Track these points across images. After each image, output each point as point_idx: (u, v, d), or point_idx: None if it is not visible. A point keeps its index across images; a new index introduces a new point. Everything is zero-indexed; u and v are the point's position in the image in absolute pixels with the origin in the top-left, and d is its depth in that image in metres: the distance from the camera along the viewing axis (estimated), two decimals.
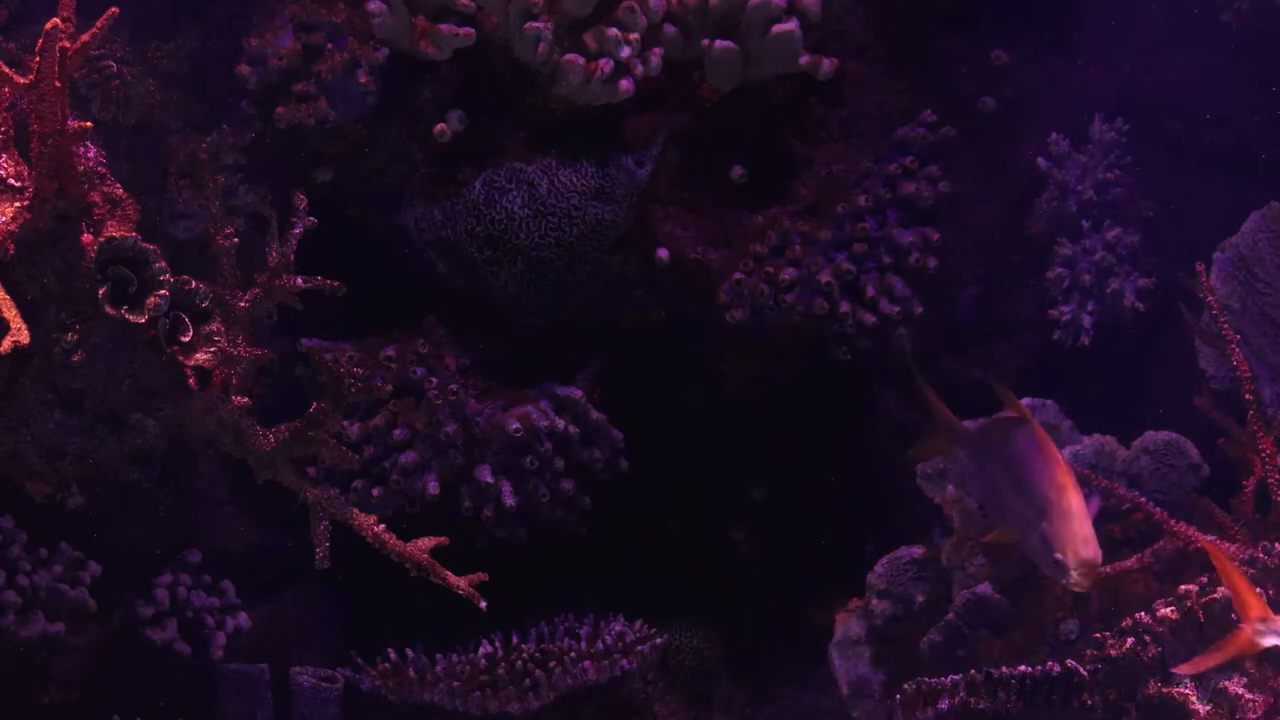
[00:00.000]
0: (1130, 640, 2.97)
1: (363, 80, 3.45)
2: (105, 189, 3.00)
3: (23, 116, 2.90)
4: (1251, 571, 2.94)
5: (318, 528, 2.96)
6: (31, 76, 2.80)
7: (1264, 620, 2.52)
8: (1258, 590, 2.60)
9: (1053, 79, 3.71)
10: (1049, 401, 3.46)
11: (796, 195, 3.67)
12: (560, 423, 3.58)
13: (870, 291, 3.59)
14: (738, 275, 3.58)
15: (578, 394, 3.63)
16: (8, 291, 2.78)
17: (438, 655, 3.54)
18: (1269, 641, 2.52)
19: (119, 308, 2.90)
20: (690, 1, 3.48)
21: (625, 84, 3.40)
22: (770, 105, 3.64)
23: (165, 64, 3.46)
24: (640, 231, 3.62)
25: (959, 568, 3.42)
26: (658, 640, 3.62)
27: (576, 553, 3.70)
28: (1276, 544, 2.95)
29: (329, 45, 3.46)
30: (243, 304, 3.05)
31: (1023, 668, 3.03)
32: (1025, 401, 3.44)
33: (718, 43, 3.47)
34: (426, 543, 2.96)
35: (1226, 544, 3.05)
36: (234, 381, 3.03)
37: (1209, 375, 3.48)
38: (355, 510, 3.00)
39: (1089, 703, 2.97)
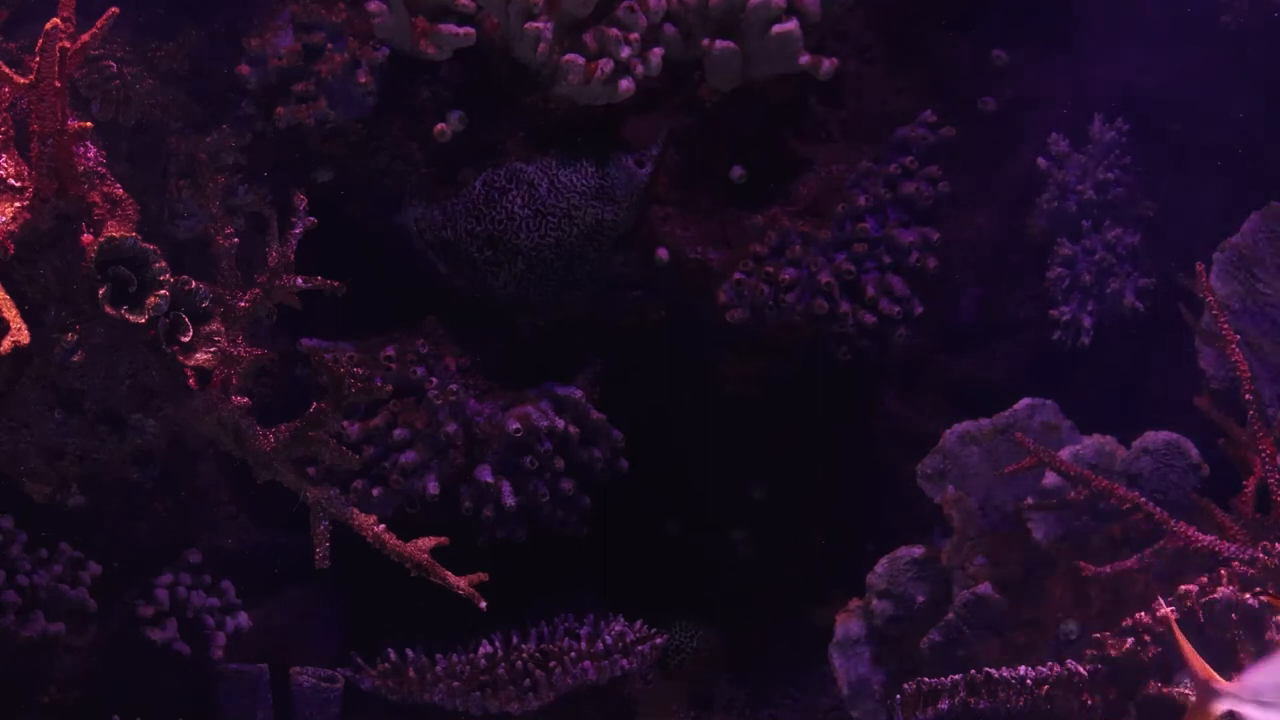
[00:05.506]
0: (1130, 640, 2.97)
1: (363, 80, 3.45)
2: (105, 189, 2.99)
3: (23, 116, 2.90)
4: (1251, 571, 2.94)
5: (318, 528, 2.96)
6: (31, 76, 2.80)
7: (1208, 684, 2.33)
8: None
9: (1052, 79, 3.70)
10: (1049, 401, 3.46)
11: (796, 195, 3.67)
12: (560, 423, 3.58)
13: (870, 291, 3.59)
14: (738, 275, 3.58)
15: (578, 394, 3.63)
16: (8, 291, 2.78)
17: (438, 655, 3.54)
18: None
19: (119, 308, 2.89)
20: (690, 1, 3.48)
21: (625, 84, 3.40)
22: (770, 105, 3.64)
23: (165, 64, 3.45)
24: (640, 231, 3.62)
25: (959, 568, 3.41)
26: (658, 640, 3.62)
27: (577, 552, 3.70)
28: (1276, 544, 2.95)
29: (329, 45, 3.46)
30: (243, 304, 3.04)
31: (1023, 668, 3.02)
32: (1025, 401, 3.45)
33: (718, 43, 3.47)
34: (426, 543, 2.96)
35: (1226, 544, 3.05)
36: (234, 381, 3.03)
37: (1209, 375, 3.48)
38: (355, 510, 2.99)
39: (1089, 703, 2.97)
